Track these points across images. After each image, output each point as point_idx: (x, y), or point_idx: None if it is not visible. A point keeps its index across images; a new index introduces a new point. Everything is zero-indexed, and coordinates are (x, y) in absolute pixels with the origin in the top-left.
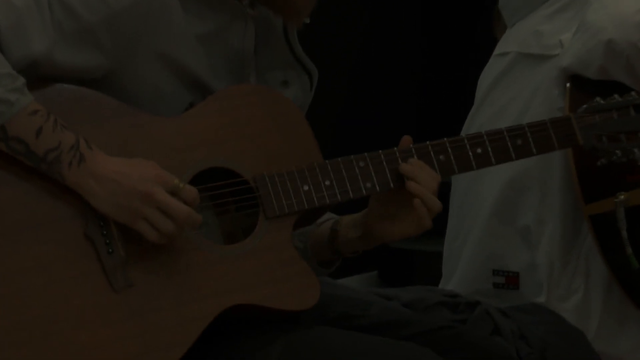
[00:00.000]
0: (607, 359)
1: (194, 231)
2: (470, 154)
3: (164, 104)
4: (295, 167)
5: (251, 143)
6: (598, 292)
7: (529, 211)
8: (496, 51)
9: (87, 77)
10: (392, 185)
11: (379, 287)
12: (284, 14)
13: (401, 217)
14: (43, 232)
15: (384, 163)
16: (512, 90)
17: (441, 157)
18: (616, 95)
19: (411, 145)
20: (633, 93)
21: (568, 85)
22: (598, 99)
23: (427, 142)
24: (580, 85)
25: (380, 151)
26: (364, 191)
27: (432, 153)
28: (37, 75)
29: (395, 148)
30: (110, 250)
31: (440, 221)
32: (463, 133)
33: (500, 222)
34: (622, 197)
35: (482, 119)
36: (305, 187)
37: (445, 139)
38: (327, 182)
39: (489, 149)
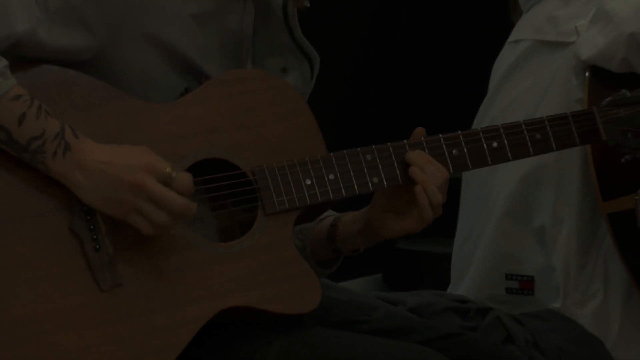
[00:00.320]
0: None
1: (188, 226)
2: (486, 148)
3: (155, 89)
4: (297, 160)
5: (250, 133)
6: (618, 296)
7: (545, 210)
8: (510, 38)
9: (74, 59)
10: (400, 181)
11: (383, 290)
12: None
13: (404, 212)
14: (25, 227)
15: (393, 156)
16: (527, 80)
17: (454, 151)
18: None
19: (422, 138)
20: None
21: (587, 75)
22: (624, 91)
23: (439, 135)
24: (600, 76)
25: (389, 143)
26: (370, 186)
27: (444, 146)
28: (21, 57)
29: (405, 140)
30: (97, 246)
31: (450, 221)
32: (475, 125)
33: (514, 222)
34: None
35: (495, 110)
36: (308, 182)
37: (459, 131)
38: (331, 176)
39: (506, 143)
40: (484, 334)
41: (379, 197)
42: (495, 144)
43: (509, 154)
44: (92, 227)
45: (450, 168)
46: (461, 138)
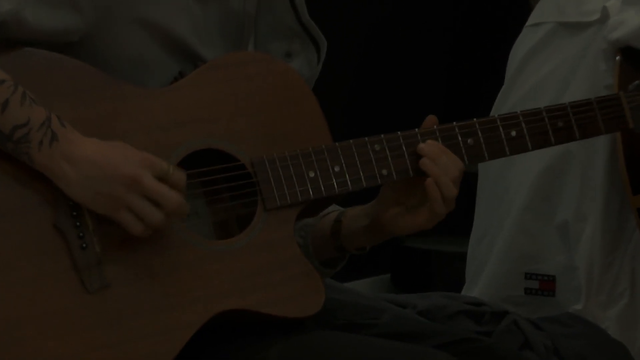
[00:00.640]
0: None
1: (182, 222)
2: (504, 137)
3: (147, 73)
4: (300, 150)
5: (249, 121)
6: None
7: (568, 204)
8: (529, 22)
9: (61, 40)
10: (411, 173)
11: (391, 292)
12: None
13: (415, 207)
14: (6, 223)
15: (403, 147)
16: (548, 65)
17: (469, 140)
18: None
19: (435, 127)
20: None
21: (618, 59)
22: None
23: (454, 123)
24: (633, 59)
25: (399, 132)
26: (378, 179)
27: (459, 135)
28: (6, 39)
29: (417, 129)
30: (83, 245)
31: (464, 217)
32: (493, 114)
33: (535, 218)
34: None
35: (514, 98)
36: (311, 174)
37: (475, 119)
38: (337, 169)
39: (525, 131)
40: (499, 339)
41: (387, 191)
42: (513, 133)
43: (529, 144)
44: (78, 223)
45: (466, 159)
46: (477, 126)
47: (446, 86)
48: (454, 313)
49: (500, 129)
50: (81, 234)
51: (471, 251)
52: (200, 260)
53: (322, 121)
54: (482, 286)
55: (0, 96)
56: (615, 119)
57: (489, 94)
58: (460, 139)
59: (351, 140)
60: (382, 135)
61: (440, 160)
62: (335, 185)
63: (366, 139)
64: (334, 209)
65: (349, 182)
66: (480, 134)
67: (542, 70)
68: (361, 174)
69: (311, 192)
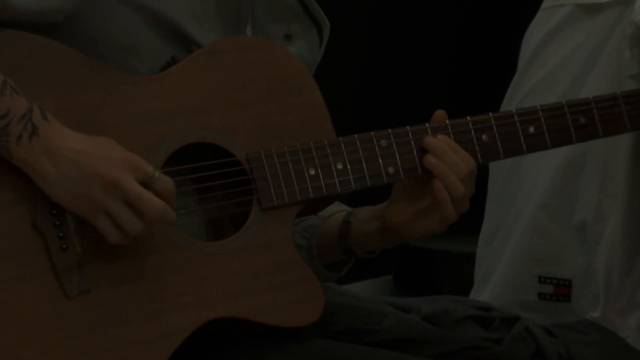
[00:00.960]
0: None
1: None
2: (521, 133)
3: (137, 58)
4: (300, 145)
5: (245, 112)
6: None
7: (587, 203)
8: (544, 5)
9: (44, 21)
10: (420, 171)
11: (394, 294)
12: None
13: (428, 210)
14: None
15: (412, 142)
16: (564, 52)
17: (484, 136)
18: None
19: (447, 121)
20: None
21: None
22: None
23: (467, 118)
24: None
25: (407, 127)
26: (384, 178)
27: (472, 131)
28: None
29: (427, 124)
30: (63, 245)
31: (473, 214)
32: (504, 106)
33: (551, 217)
34: None
35: (527, 87)
36: (312, 171)
37: (490, 113)
38: (340, 166)
39: (545, 127)
40: (510, 347)
41: (398, 191)
42: (532, 129)
43: (548, 141)
44: (58, 223)
45: (479, 157)
46: (492, 121)
47: (456, 78)
48: (461, 318)
49: (518, 124)
50: (61, 234)
51: (480, 251)
52: (189, 263)
53: (324, 114)
54: (492, 290)
55: None
56: None
57: (500, 84)
58: (473, 134)
59: (356, 135)
60: (390, 130)
61: (447, 158)
62: (338, 184)
63: (372, 133)
64: (340, 209)
65: (352, 181)
66: (495, 130)
67: (558, 57)
68: (366, 172)
69: (311, 192)
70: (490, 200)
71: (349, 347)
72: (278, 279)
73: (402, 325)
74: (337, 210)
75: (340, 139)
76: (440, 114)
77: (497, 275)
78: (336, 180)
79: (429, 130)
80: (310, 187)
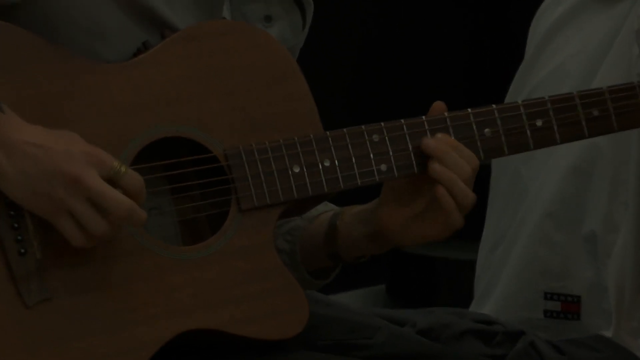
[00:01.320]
0: None
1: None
2: (527, 127)
3: (105, 43)
4: (283, 140)
5: (223, 103)
6: None
7: (596, 212)
8: None
9: (1, 2)
10: (415, 169)
11: (387, 306)
12: None
13: (425, 213)
14: None
15: (407, 137)
16: (573, 44)
17: (487, 130)
18: None
19: (446, 114)
20: None
21: None
22: None
23: (468, 110)
24: None
25: (402, 120)
26: (376, 176)
27: (474, 125)
28: None
29: (424, 117)
30: (22, 250)
31: (474, 218)
32: (510, 98)
33: (557, 226)
34: None
35: (535, 78)
36: (296, 169)
37: (493, 105)
38: (327, 163)
39: (554, 121)
40: None
41: (388, 191)
42: (539, 122)
43: (557, 136)
44: (16, 224)
45: (481, 154)
46: (496, 114)
47: (460, 67)
48: (461, 332)
49: (524, 117)
50: (19, 237)
51: (482, 260)
52: (160, 270)
53: (310, 105)
54: (494, 303)
55: None
56: None
57: (506, 72)
58: (475, 128)
59: (345, 129)
60: (382, 124)
61: (450, 160)
62: (325, 183)
63: (363, 127)
64: (326, 209)
65: (340, 180)
66: (500, 123)
67: (567, 49)
68: (356, 169)
69: (295, 191)
70: (493, 206)
71: None
72: (257, 288)
73: (396, 339)
74: (324, 211)
75: (328, 133)
76: (438, 106)
77: (500, 289)
78: (323, 178)
79: (425, 123)
80: (294, 187)
